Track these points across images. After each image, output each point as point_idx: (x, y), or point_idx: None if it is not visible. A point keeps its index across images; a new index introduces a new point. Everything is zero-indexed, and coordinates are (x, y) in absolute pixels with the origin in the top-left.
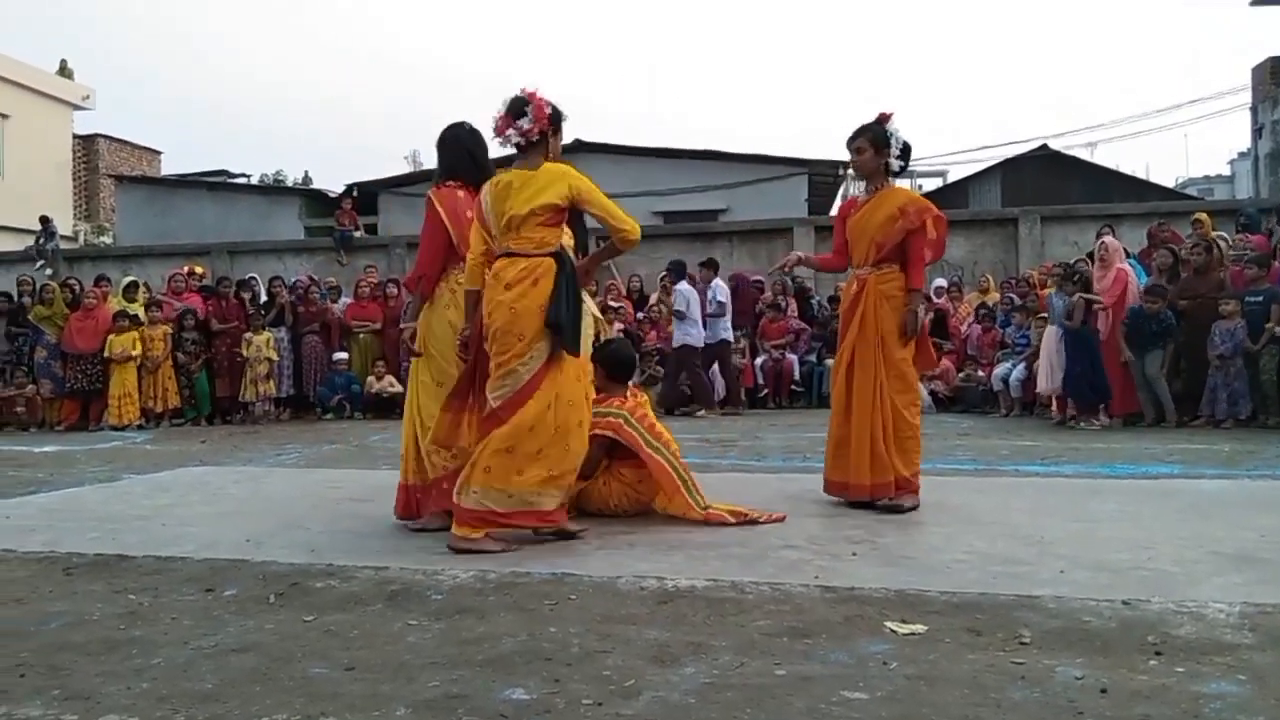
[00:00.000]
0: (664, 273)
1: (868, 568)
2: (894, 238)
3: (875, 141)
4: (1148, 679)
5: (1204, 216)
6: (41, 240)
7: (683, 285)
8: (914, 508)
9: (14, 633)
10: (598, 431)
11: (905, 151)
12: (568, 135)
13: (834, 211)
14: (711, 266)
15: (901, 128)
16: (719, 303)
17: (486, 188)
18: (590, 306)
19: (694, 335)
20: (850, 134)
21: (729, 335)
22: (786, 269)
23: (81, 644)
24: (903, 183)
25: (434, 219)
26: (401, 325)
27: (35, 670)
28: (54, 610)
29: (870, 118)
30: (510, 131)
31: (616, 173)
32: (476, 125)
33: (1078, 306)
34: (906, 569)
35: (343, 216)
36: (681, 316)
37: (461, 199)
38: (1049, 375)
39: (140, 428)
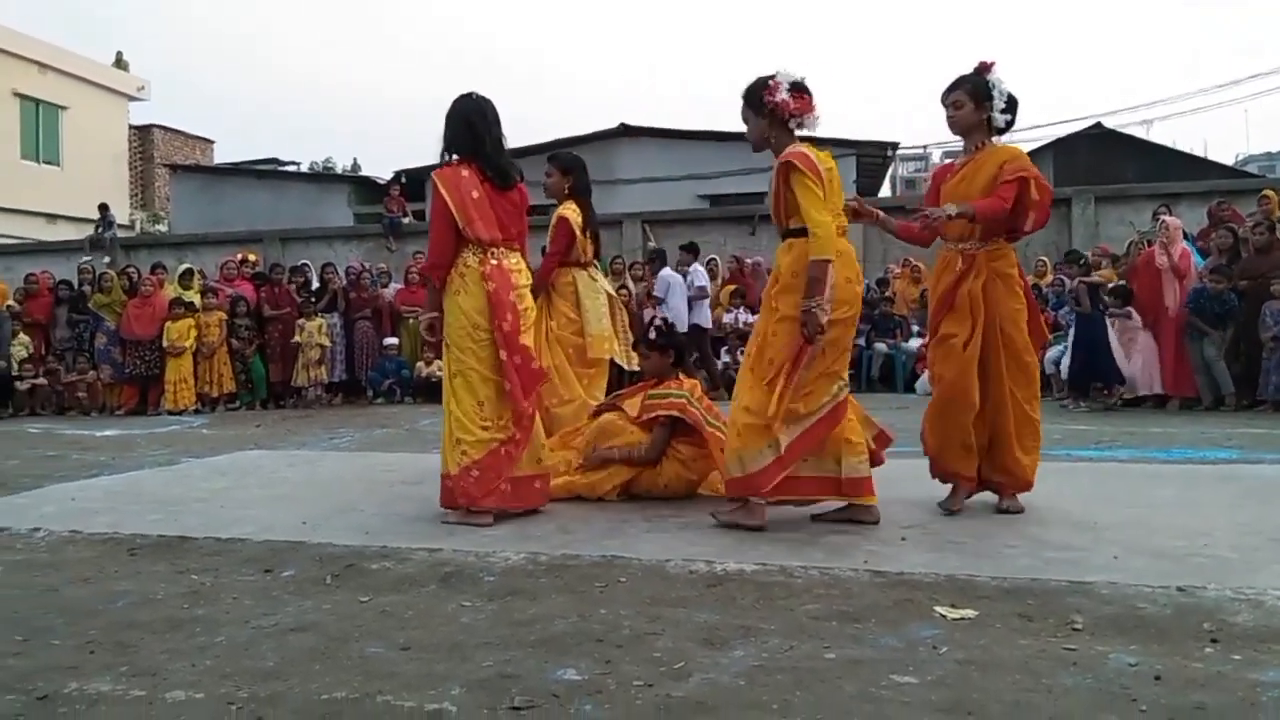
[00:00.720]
0: (711, 257)
1: (918, 553)
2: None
3: (975, 94)
4: (1203, 667)
5: (1272, 193)
6: (100, 229)
7: (665, 271)
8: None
9: (83, 611)
10: (663, 413)
11: (1011, 105)
12: (613, 120)
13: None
14: (692, 251)
15: (1005, 79)
16: (699, 287)
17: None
18: (604, 284)
19: (702, 316)
20: (945, 87)
21: (707, 321)
22: (858, 216)
23: (147, 622)
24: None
25: (438, 204)
26: (419, 316)
27: (104, 647)
28: (120, 589)
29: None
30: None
31: (661, 156)
32: (489, 97)
33: (1081, 291)
34: (957, 554)
35: (391, 203)
36: (659, 302)
37: (465, 178)
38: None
39: (196, 412)
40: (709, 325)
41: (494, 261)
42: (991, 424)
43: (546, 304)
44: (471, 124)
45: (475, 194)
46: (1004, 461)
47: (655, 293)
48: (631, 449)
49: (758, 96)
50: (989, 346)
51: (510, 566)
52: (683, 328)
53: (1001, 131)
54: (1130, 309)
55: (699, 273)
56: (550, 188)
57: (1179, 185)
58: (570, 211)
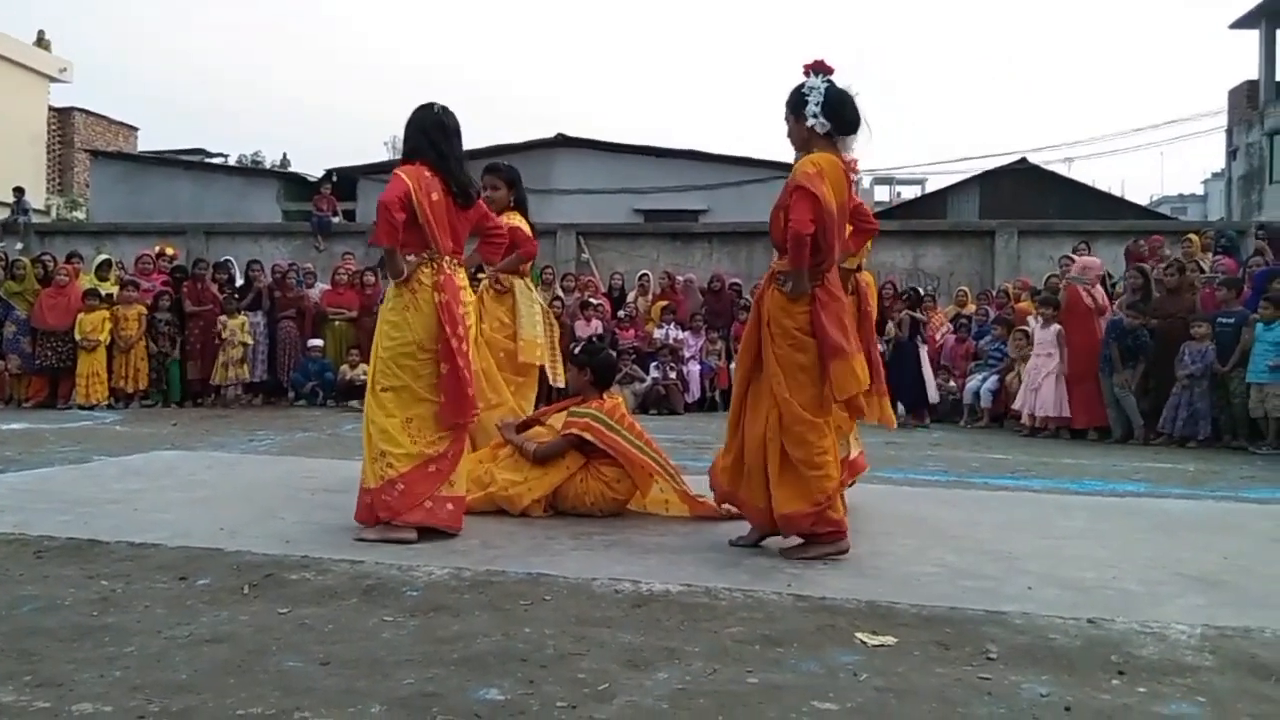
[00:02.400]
0: (644, 272)
1: (839, 578)
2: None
3: (794, 107)
4: (1110, 698)
5: (1195, 238)
6: (14, 213)
7: None
8: None
9: None
10: (572, 431)
11: (833, 104)
12: (549, 130)
13: None
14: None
15: (838, 78)
16: None
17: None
18: (538, 297)
19: None
20: None
21: None
22: None
23: (53, 629)
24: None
25: (397, 189)
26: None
27: (6, 655)
28: (25, 594)
29: None
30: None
31: (598, 169)
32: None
33: (904, 322)
34: (877, 580)
35: (321, 201)
36: None
37: (428, 178)
38: (1027, 395)
39: (109, 407)
40: None
41: (446, 272)
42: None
43: (480, 307)
44: (433, 139)
45: (435, 196)
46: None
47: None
48: (527, 441)
49: (800, 101)
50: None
51: (433, 581)
52: None
53: (826, 138)
54: (1050, 336)
55: None
56: (496, 200)
57: (1098, 224)
58: (523, 223)
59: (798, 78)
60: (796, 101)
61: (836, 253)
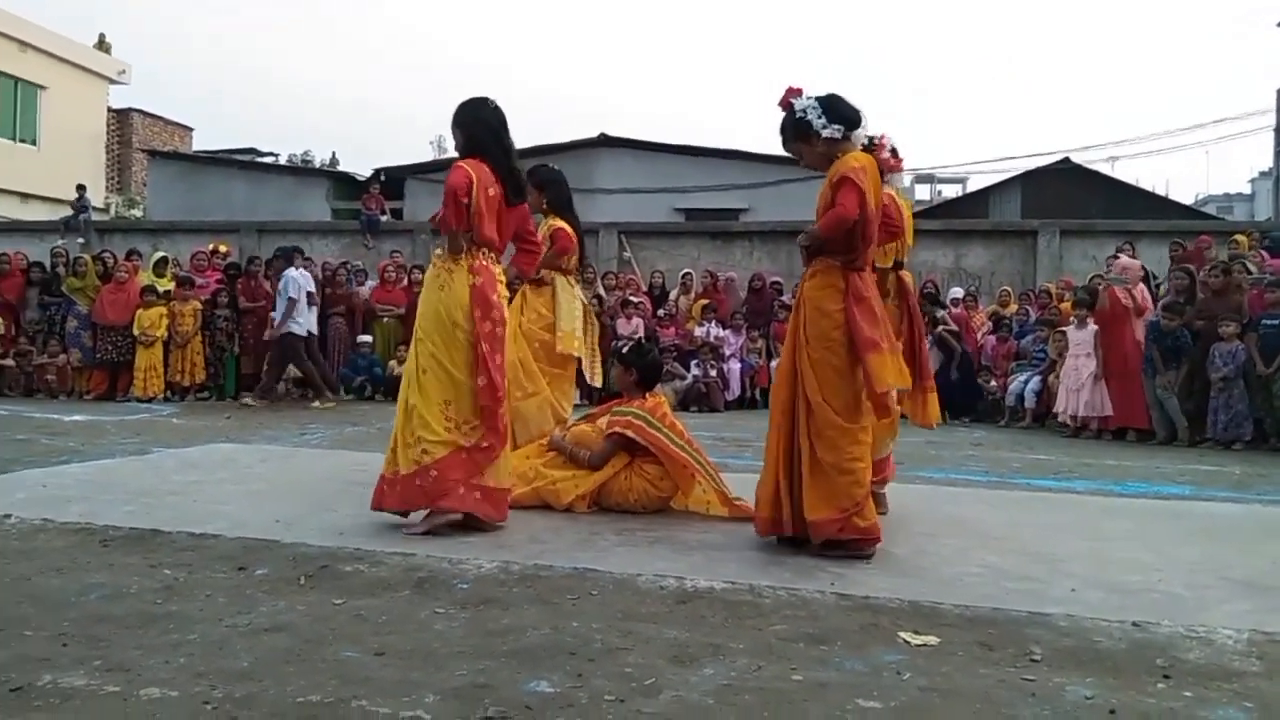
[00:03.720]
0: (686, 271)
1: (882, 577)
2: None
3: (799, 134)
4: (1155, 702)
5: (1242, 238)
6: (76, 211)
7: (291, 271)
8: None
9: (56, 602)
10: (615, 430)
11: (830, 109)
12: (592, 130)
13: None
14: (286, 257)
15: (809, 90)
16: (289, 298)
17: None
18: (579, 295)
19: (300, 324)
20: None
21: (301, 330)
22: None
23: (120, 616)
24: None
25: (460, 179)
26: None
27: (77, 640)
28: (93, 581)
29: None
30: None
31: (639, 168)
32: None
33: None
34: (920, 580)
35: (370, 201)
36: (294, 303)
37: (486, 172)
38: (1068, 396)
39: (166, 400)
40: (303, 334)
41: (484, 261)
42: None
43: (521, 301)
44: (499, 134)
45: (491, 191)
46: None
47: (286, 293)
48: (580, 449)
49: (803, 124)
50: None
51: (483, 575)
52: (304, 330)
53: (839, 140)
54: (1088, 337)
55: (293, 280)
56: (529, 204)
57: (1141, 223)
58: (565, 225)
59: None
60: (800, 127)
61: (871, 251)
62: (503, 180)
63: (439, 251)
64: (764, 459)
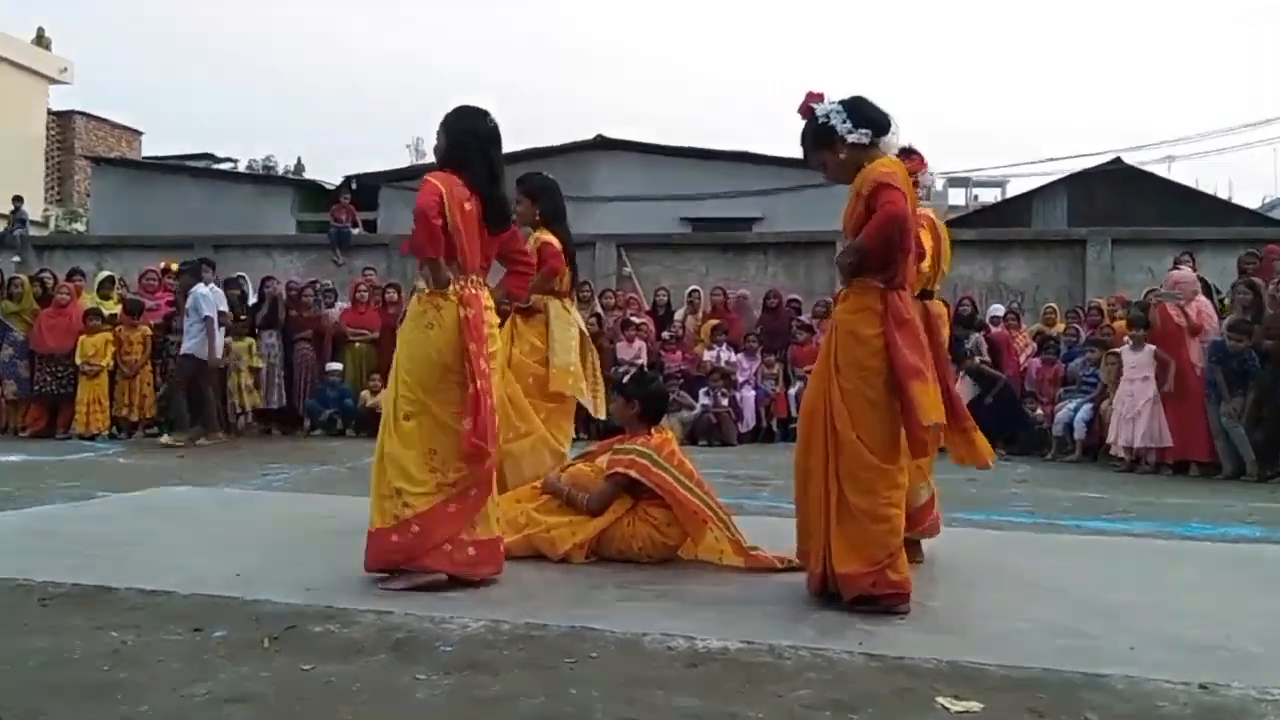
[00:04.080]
0: (694, 288)
1: (917, 634)
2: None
3: (821, 142)
4: None
5: None
6: (11, 226)
7: (200, 288)
8: None
9: None
10: (617, 470)
11: (855, 113)
12: (587, 131)
13: None
14: (194, 272)
15: (830, 95)
16: (205, 317)
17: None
18: (577, 318)
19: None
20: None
21: (203, 353)
22: None
23: (62, 685)
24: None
25: (429, 198)
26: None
27: (14, 715)
28: (31, 646)
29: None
30: None
31: (642, 174)
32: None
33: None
34: (960, 637)
35: (340, 211)
36: (212, 322)
37: (459, 187)
38: (1122, 425)
39: (111, 437)
40: (204, 357)
41: (473, 290)
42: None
43: (513, 329)
44: (488, 152)
45: (467, 207)
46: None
47: (202, 312)
48: (577, 492)
49: (827, 131)
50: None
51: (469, 635)
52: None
53: (866, 146)
54: (1145, 359)
55: (204, 298)
56: (519, 215)
57: (1203, 231)
58: (553, 239)
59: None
60: (822, 134)
61: (911, 267)
62: (481, 198)
63: (422, 285)
64: (804, 507)
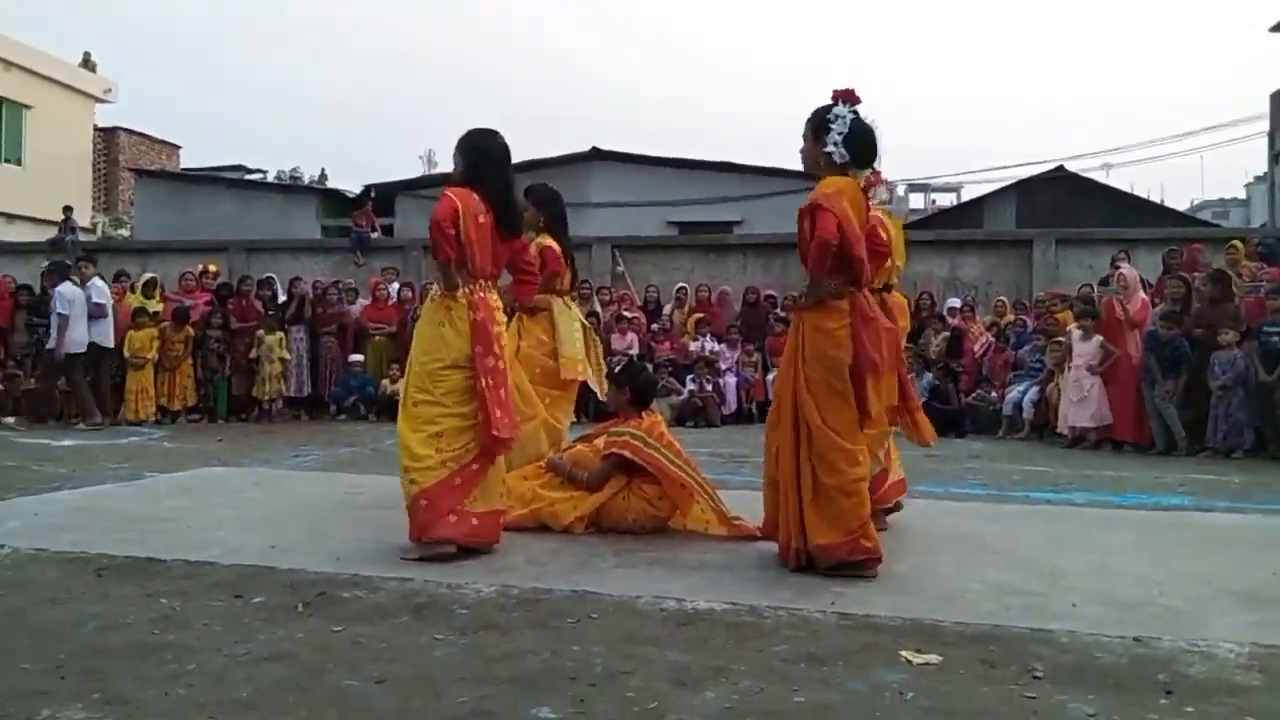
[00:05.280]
0: (681, 285)
1: (883, 596)
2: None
3: (815, 128)
4: (1158, 718)
5: (1240, 244)
6: (62, 232)
7: (64, 287)
8: None
9: (52, 634)
10: (613, 451)
11: (855, 136)
12: (584, 144)
13: None
14: (92, 262)
15: (864, 110)
16: (96, 304)
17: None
18: (578, 314)
19: (77, 341)
20: None
21: (108, 340)
22: None
23: (117, 648)
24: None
25: (447, 209)
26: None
27: (74, 673)
28: (89, 612)
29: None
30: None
31: (632, 182)
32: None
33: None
34: (921, 597)
35: (361, 217)
36: (66, 319)
37: (475, 201)
38: (1072, 409)
39: (156, 423)
40: (110, 344)
41: (482, 294)
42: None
43: (519, 325)
44: (503, 169)
45: (481, 219)
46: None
47: (56, 309)
48: (578, 471)
49: (824, 125)
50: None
51: (481, 599)
52: (81, 347)
53: (841, 168)
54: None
55: (97, 288)
56: (526, 221)
57: (1137, 231)
58: (554, 243)
59: (829, 83)
60: (819, 125)
61: (867, 269)
62: (495, 211)
63: (435, 288)
64: (772, 482)
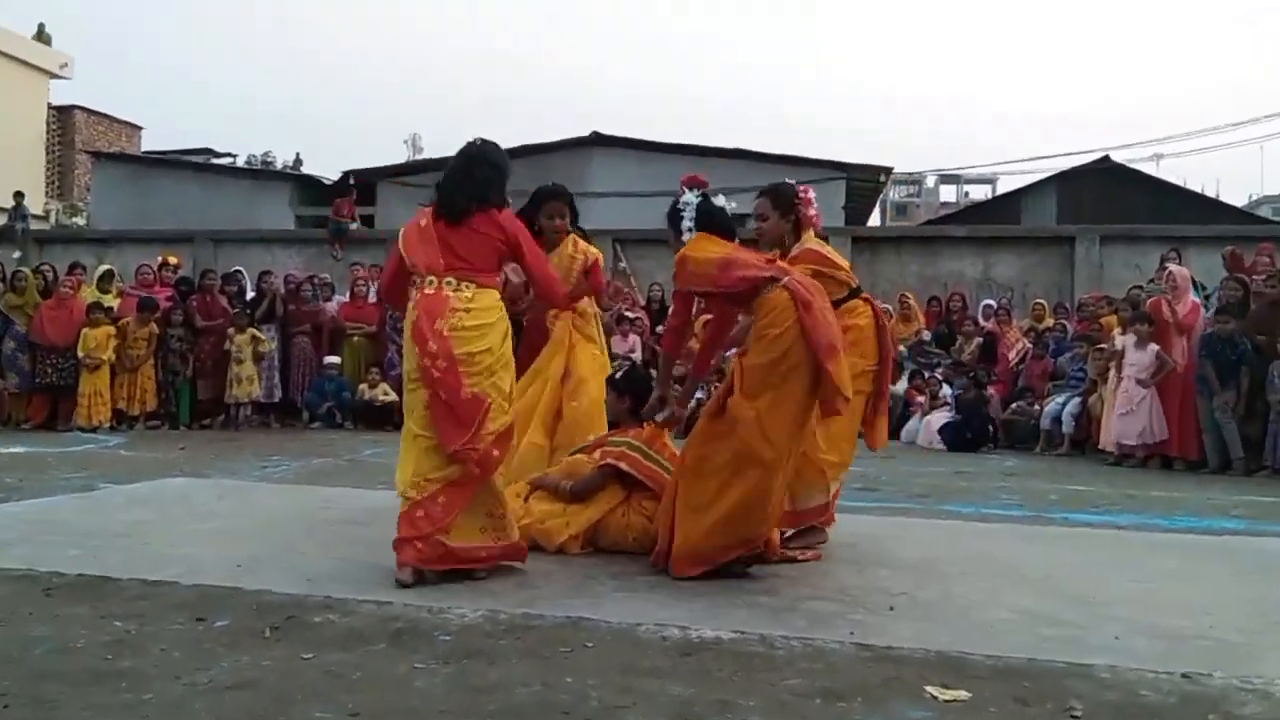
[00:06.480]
0: None
1: (906, 624)
2: None
3: (670, 222)
4: None
5: None
6: (12, 219)
7: None
8: None
9: None
10: (608, 461)
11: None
12: (584, 128)
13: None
14: None
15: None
16: None
17: None
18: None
19: None
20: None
21: None
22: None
23: (68, 674)
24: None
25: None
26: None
27: (20, 701)
28: (37, 635)
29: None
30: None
31: (636, 169)
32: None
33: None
34: (948, 628)
35: (342, 207)
36: None
37: (421, 210)
38: (1118, 423)
39: (112, 429)
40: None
41: (429, 290)
42: None
43: (570, 336)
44: (455, 165)
45: (423, 222)
46: None
47: None
48: (563, 480)
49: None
50: None
51: (466, 625)
52: None
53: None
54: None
55: None
56: (560, 228)
57: (1190, 229)
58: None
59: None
60: (672, 217)
61: (766, 271)
62: (436, 203)
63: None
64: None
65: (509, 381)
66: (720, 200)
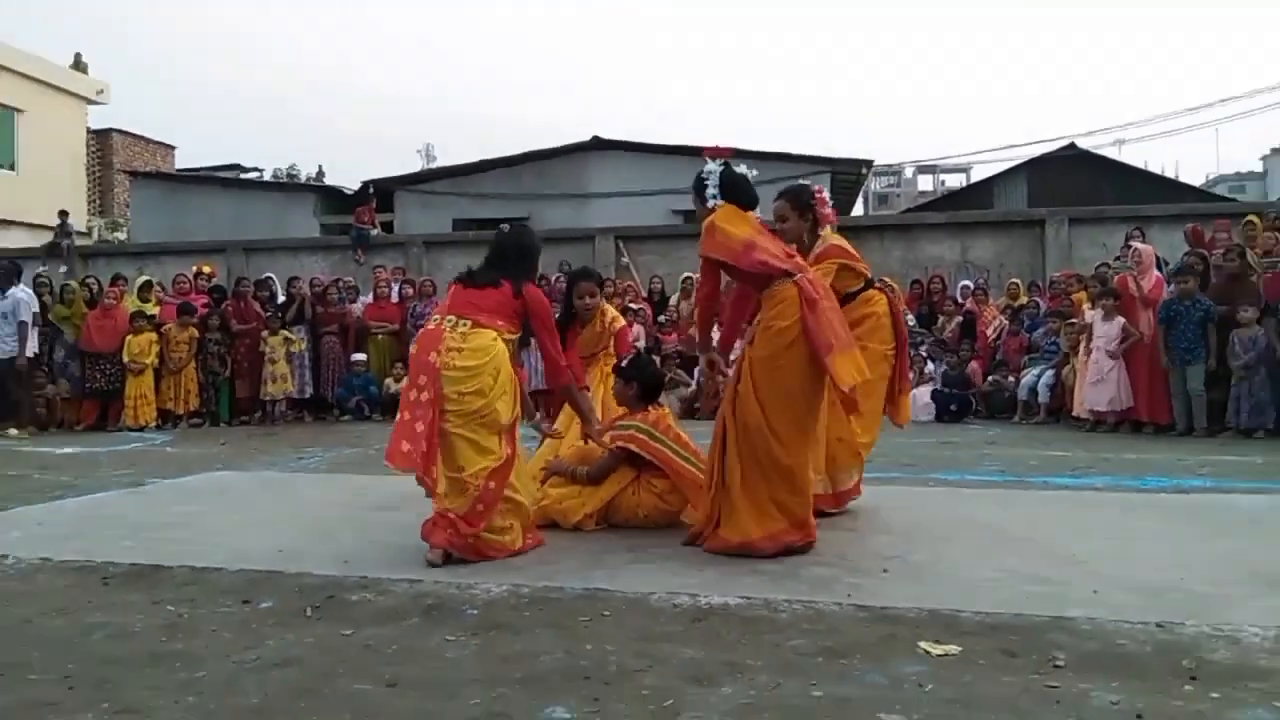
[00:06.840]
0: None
1: (900, 586)
2: None
3: (695, 190)
4: (1183, 704)
5: (1256, 219)
6: (58, 236)
7: (17, 291)
8: None
9: (60, 644)
10: (618, 444)
11: (729, 185)
12: (585, 134)
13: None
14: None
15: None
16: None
17: None
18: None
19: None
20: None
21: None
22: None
23: (126, 656)
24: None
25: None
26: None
27: (83, 683)
28: (96, 621)
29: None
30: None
31: (634, 170)
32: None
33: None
34: (938, 587)
35: (363, 214)
36: (20, 325)
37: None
38: (1089, 392)
39: (158, 428)
40: (21, 358)
41: (430, 326)
42: None
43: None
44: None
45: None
46: None
47: (3, 312)
48: (579, 467)
49: (806, 200)
50: None
51: (492, 599)
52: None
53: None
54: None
55: (24, 302)
56: (591, 305)
57: (1152, 208)
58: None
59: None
60: (697, 185)
61: (783, 264)
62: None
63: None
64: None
65: (507, 411)
66: (742, 168)
